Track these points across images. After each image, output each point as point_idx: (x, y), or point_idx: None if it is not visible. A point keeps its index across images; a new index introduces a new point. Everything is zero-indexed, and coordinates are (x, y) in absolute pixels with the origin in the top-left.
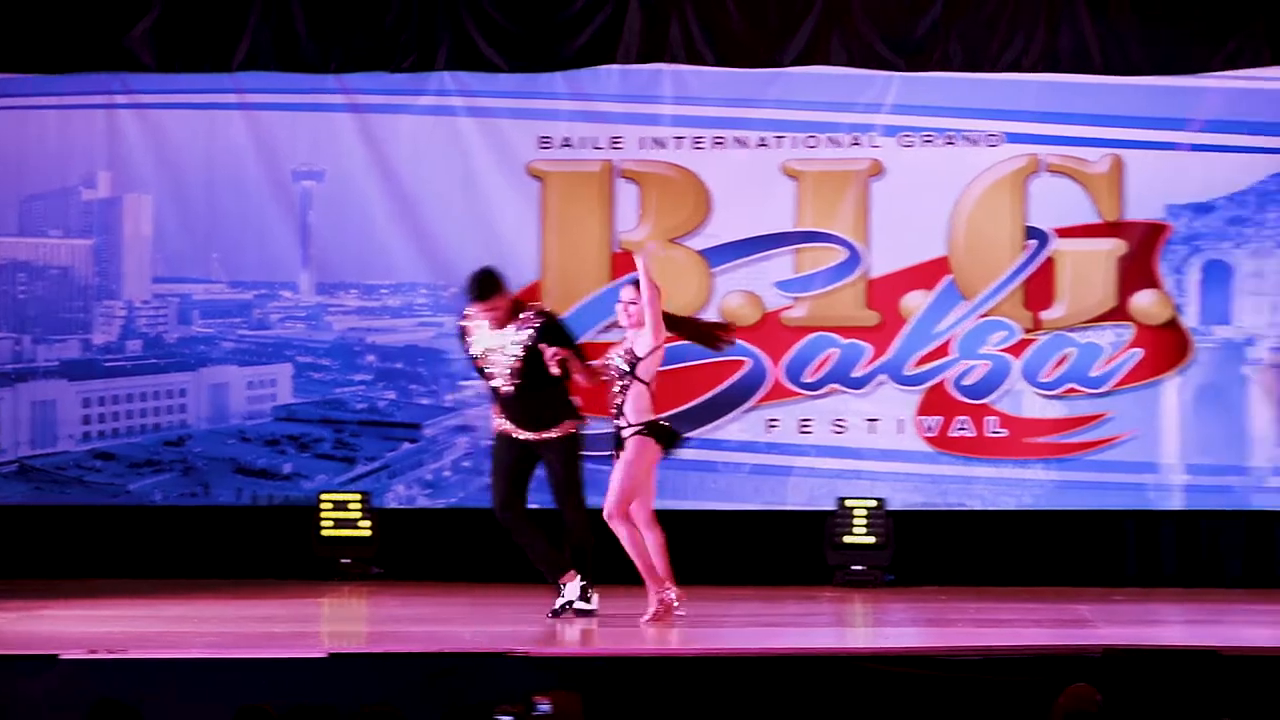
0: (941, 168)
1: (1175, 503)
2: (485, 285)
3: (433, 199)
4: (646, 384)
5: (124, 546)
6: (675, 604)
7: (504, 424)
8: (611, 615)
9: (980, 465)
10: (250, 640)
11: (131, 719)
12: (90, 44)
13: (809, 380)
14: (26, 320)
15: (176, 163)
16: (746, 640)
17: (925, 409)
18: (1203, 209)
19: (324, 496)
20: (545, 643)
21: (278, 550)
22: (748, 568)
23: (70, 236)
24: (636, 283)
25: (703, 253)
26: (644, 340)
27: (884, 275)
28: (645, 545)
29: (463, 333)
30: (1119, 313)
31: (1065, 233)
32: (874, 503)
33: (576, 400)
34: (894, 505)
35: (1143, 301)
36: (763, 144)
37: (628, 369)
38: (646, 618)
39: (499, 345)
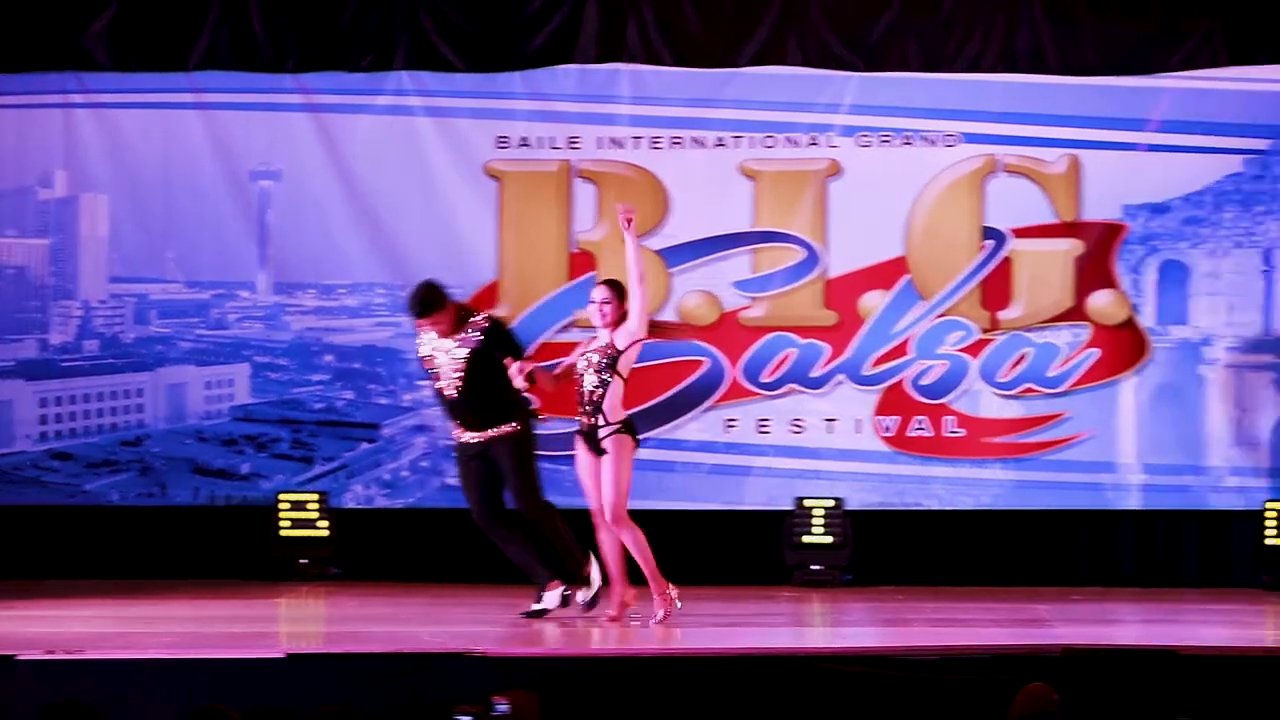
0: (899, 168)
1: (1132, 502)
2: (425, 302)
3: (390, 199)
4: (625, 380)
5: (81, 547)
6: (677, 604)
7: (456, 430)
8: (585, 616)
9: (938, 465)
10: (208, 641)
11: None
12: (47, 43)
13: (767, 380)
14: None
15: (133, 162)
16: (705, 640)
17: (883, 409)
18: (1159, 209)
19: (282, 496)
20: (503, 643)
21: (236, 550)
22: (706, 567)
23: (26, 236)
24: (608, 282)
25: (660, 252)
26: (625, 332)
27: (842, 275)
28: (648, 548)
29: (418, 331)
30: (1076, 313)
31: (1022, 233)
32: (832, 502)
33: (534, 400)
34: (852, 505)
35: (1100, 301)
36: (720, 144)
37: (609, 364)
38: (656, 619)
39: (446, 349)
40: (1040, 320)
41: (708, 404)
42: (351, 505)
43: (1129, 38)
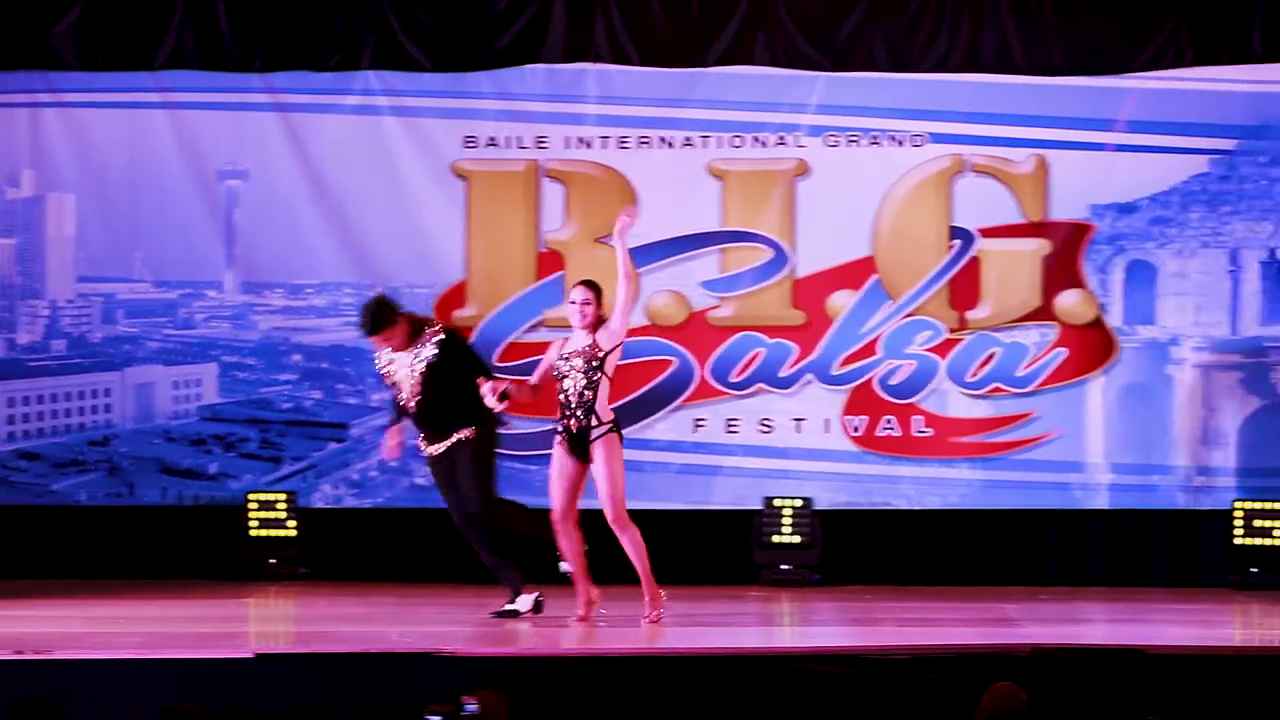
0: (867, 168)
1: (1100, 502)
2: (375, 319)
3: (358, 198)
4: (611, 379)
5: (49, 547)
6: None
7: (420, 440)
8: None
9: (906, 464)
10: (177, 641)
11: (56, 719)
12: (13, 42)
13: (735, 380)
14: None
15: (100, 162)
16: (673, 640)
17: (851, 408)
18: (1126, 209)
19: (250, 496)
20: (472, 643)
21: (204, 550)
22: (675, 567)
23: None
24: (587, 283)
25: (629, 252)
26: (608, 333)
27: (810, 275)
28: (645, 549)
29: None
30: (1044, 312)
31: (990, 233)
32: (800, 502)
33: (496, 405)
34: (821, 505)
35: (1067, 301)
36: (688, 144)
37: (598, 365)
38: (649, 618)
39: (405, 362)
40: (1008, 320)
41: (676, 404)
42: (320, 505)
43: (1095, 37)
